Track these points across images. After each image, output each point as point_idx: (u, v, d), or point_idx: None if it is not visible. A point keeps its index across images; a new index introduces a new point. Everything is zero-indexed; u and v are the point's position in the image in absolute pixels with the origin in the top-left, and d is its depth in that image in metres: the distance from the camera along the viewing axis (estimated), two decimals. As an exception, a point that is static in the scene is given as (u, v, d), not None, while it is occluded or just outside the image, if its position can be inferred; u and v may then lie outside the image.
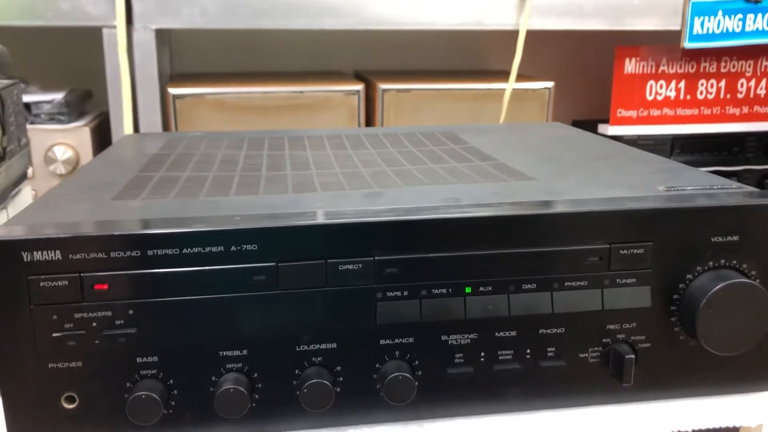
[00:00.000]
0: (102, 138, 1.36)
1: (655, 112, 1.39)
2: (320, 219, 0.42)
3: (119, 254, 0.40)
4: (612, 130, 1.35)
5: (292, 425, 0.44)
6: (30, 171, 1.19)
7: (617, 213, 0.44)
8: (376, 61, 1.52)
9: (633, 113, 1.38)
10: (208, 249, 0.40)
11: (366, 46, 1.51)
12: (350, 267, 0.42)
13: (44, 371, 0.40)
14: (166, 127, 1.21)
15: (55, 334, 0.40)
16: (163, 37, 1.34)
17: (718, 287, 0.43)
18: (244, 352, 0.42)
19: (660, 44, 1.33)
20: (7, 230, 0.40)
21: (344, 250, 0.42)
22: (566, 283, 0.44)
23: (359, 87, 1.22)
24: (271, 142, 0.69)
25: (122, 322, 0.40)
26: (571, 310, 0.44)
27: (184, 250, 0.40)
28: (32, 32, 1.12)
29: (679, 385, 0.47)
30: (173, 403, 0.42)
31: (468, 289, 0.43)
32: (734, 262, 0.45)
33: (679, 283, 0.45)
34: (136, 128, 1.20)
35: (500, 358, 0.45)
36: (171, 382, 0.42)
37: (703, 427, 0.46)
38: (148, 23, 1.12)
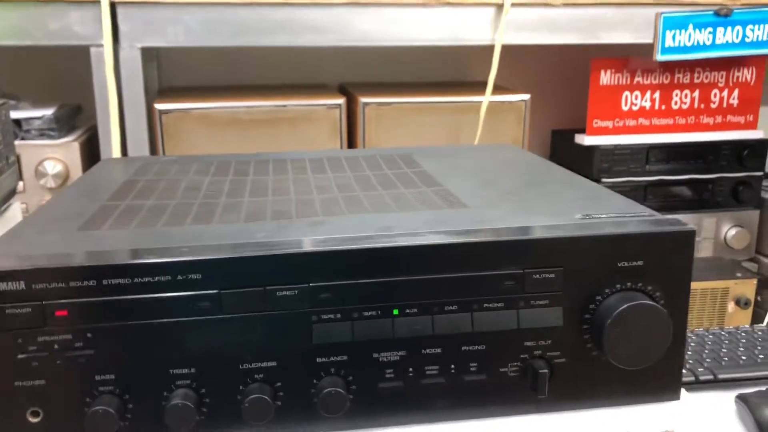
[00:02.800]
0: (92, 151, 1.41)
1: (631, 122, 1.42)
2: (259, 251, 0.46)
3: (77, 284, 0.44)
4: (588, 140, 1.38)
5: (237, 436, 0.48)
6: (21, 185, 1.24)
7: (530, 241, 0.48)
8: (362, 74, 1.56)
9: (609, 123, 1.41)
10: (156, 278, 0.45)
11: (352, 59, 1.55)
12: (287, 293, 0.46)
13: (10, 389, 0.45)
14: (153, 141, 1.25)
15: (20, 356, 0.45)
16: (150, 53, 1.37)
17: (623, 308, 0.48)
18: (192, 370, 0.47)
19: (635, 56, 1.37)
20: (-24, 263, 0.44)
21: (282, 277, 0.46)
22: (485, 305, 0.49)
23: (341, 101, 1.26)
24: (237, 167, 0.74)
25: (81, 344, 0.45)
26: (490, 329, 0.49)
27: (136, 280, 0.45)
28: (22, 48, 1.16)
29: (592, 396, 0.51)
30: (129, 416, 0.47)
31: (396, 311, 0.48)
32: (639, 284, 0.49)
33: (589, 303, 0.49)
34: (123, 143, 1.23)
35: (427, 373, 0.49)
36: (126, 397, 0.46)
37: (616, 435, 0.50)
38: (134, 42, 1.16)
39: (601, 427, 0.50)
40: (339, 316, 0.47)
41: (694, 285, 0.48)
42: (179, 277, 0.45)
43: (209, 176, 0.70)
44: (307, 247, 0.47)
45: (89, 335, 0.45)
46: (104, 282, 0.45)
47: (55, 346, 0.45)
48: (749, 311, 1.24)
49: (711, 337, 0.84)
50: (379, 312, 0.48)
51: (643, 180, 1.37)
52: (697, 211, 1.39)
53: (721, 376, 0.75)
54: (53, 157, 1.37)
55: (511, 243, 0.48)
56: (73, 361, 0.45)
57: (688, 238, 0.50)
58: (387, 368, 0.49)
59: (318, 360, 0.48)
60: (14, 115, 1.33)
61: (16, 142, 1.27)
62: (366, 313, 0.48)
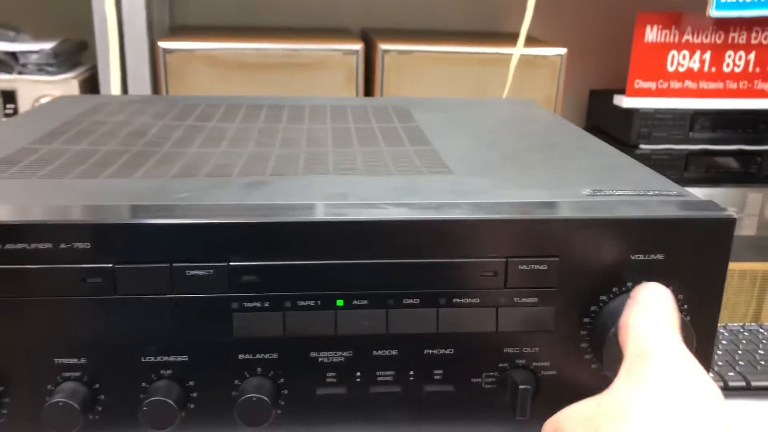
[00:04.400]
0: (93, 90, 1.33)
1: (676, 85, 1.30)
2: (167, 216, 0.36)
3: (-66, 247, 0.35)
4: (628, 101, 1.28)
5: (139, 442, 0.39)
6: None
7: (517, 222, 0.37)
8: (385, 19, 1.45)
9: (652, 84, 1.29)
10: (34, 245, 0.35)
11: (375, 2, 1.44)
12: (199, 273, 0.36)
13: None
14: (155, 82, 1.18)
15: None
16: (161, -13, 1.30)
17: (633, 314, 0.37)
18: (83, 360, 0.37)
19: (685, 10, 1.23)
20: None
21: (194, 252, 0.36)
22: (454, 300, 0.38)
23: (358, 47, 1.16)
24: (204, 111, 0.64)
25: (-58, 321, 0.36)
26: (459, 330, 0.38)
27: (7, 245, 0.35)
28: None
29: (588, 420, 0.41)
30: (4, 411, 0.38)
31: (340, 302, 0.38)
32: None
33: (591, 305, 0.39)
34: (124, 82, 1.16)
35: (379, 379, 0.39)
36: (2, 389, 0.38)
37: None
38: (137, -27, 1.08)
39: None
40: (266, 304, 0.37)
41: (731, 266, 0.37)
42: (62, 245, 0.35)
43: (164, 120, 0.60)
44: (226, 216, 0.37)
45: (-48, 311, 0.36)
46: (-31, 246, 0.35)
47: None
48: (794, 302, 1.11)
49: (747, 334, 0.73)
50: (319, 302, 0.38)
51: (684, 148, 1.25)
52: (741, 185, 1.27)
53: (755, 384, 0.64)
54: (51, 94, 1.29)
55: (492, 223, 0.37)
56: (-67, 341, 0.36)
57: (725, 228, 0.38)
58: (328, 371, 0.39)
59: (240, 357, 0.38)
60: (10, 47, 1.26)
61: (12, 77, 1.21)
62: (301, 303, 0.37)
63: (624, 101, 1.28)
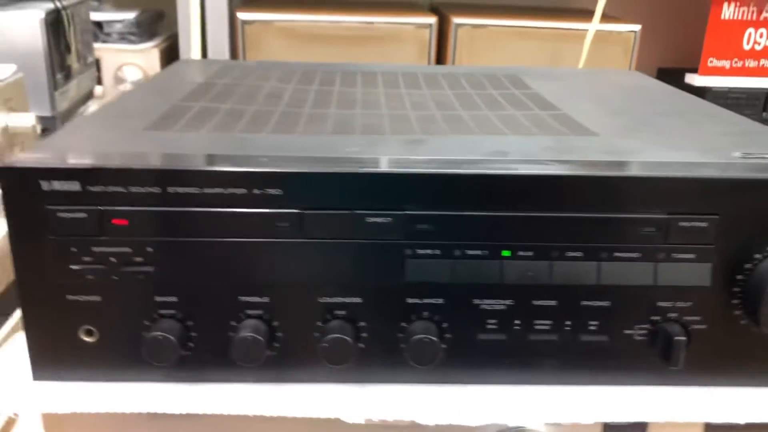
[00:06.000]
0: (172, 60, 1.36)
1: (751, 64, 1.29)
2: (350, 167, 0.39)
3: (139, 189, 0.38)
4: (700, 80, 1.26)
5: (311, 377, 0.42)
6: (100, 90, 1.20)
7: (680, 180, 0.39)
8: (455, -7, 1.45)
9: (726, 63, 1.28)
10: (230, 191, 0.38)
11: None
12: (379, 220, 0.39)
13: (63, 303, 0.40)
14: (233, 52, 1.20)
15: (73, 267, 0.39)
16: (235, -41, 1.31)
17: (790, 271, 0.39)
18: (265, 299, 0.40)
19: (764, -13, 1.23)
20: (27, 157, 0.38)
21: (374, 201, 0.39)
22: (616, 254, 0.40)
23: (432, 20, 1.17)
24: (323, 77, 0.66)
25: (141, 259, 0.39)
26: (619, 283, 0.40)
27: (206, 190, 0.38)
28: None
29: (735, 373, 0.43)
30: (191, 345, 0.41)
31: (506, 253, 0.40)
32: (813, 244, 0.40)
33: (745, 262, 0.40)
34: (204, 52, 1.19)
35: (537, 327, 0.41)
36: (189, 324, 0.41)
37: (758, 420, 0.42)
38: (220, -57, 1.10)
39: (742, 410, 0.42)
40: (438, 252, 0.40)
41: None
42: (256, 191, 0.38)
43: (292, 84, 0.62)
44: (406, 167, 0.39)
45: (150, 249, 0.39)
46: (170, 190, 0.38)
47: (112, 259, 0.39)
48: None
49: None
50: (487, 252, 0.40)
51: (758, 129, 1.24)
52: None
53: None
54: (133, 63, 1.33)
55: (656, 180, 0.39)
56: (131, 277, 0.39)
57: None
58: (489, 318, 0.41)
59: (409, 300, 0.41)
60: (96, 16, 1.29)
61: (96, 45, 1.24)
62: (470, 252, 0.40)
63: (696, 79, 1.28)
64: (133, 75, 1.32)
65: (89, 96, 1.12)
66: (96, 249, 0.39)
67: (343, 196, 0.39)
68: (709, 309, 0.41)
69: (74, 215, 0.38)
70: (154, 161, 0.39)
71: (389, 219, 0.39)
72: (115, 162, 0.38)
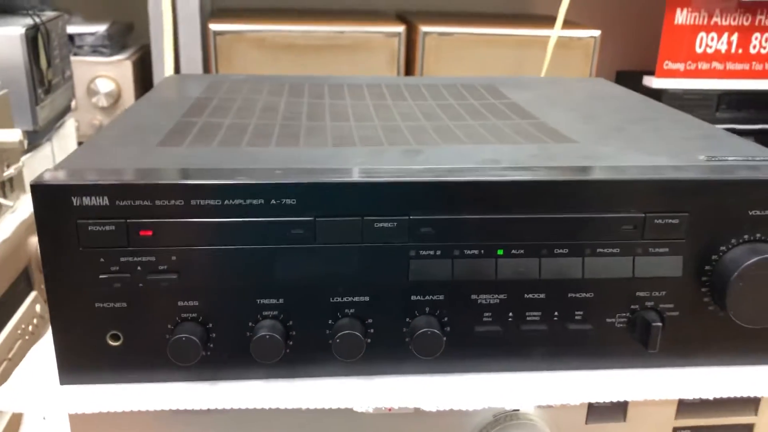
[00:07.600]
0: (143, 71, 1.37)
1: (704, 66, 1.35)
2: (358, 177, 0.42)
3: (164, 202, 0.41)
4: (657, 82, 1.32)
5: (323, 372, 0.46)
6: (73, 103, 1.21)
7: (655, 182, 0.44)
8: (420, 2, 1.49)
9: (680, 66, 1.34)
10: (249, 201, 0.41)
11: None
12: (385, 225, 0.43)
13: (91, 310, 0.43)
14: (206, 63, 1.22)
15: (101, 276, 0.42)
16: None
17: (751, 261, 0.43)
18: (281, 300, 0.44)
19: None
20: (58, 174, 0.41)
21: (380, 208, 0.42)
22: (598, 250, 0.44)
23: (400, 29, 1.20)
24: (311, 90, 0.70)
25: (165, 267, 0.42)
26: (601, 276, 0.45)
27: (226, 202, 0.41)
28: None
29: (705, 354, 0.47)
30: (211, 345, 0.44)
31: (500, 251, 0.44)
32: (771, 236, 0.45)
33: (712, 254, 0.45)
34: (177, 64, 1.20)
35: (528, 318, 0.46)
36: (210, 325, 0.44)
37: (725, 396, 0.47)
38: (190, -44, 1.12)
39: (712, 386, 0.46)
40: (439, 252, 0.44)
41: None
42: (273, 202, 0.42)
43: (284, 97, 0.66)
44: (409, 176, 0.43)
45: (174, 258, 0.42)
46: (192, 202, 0.41)
47: (138, 268, 0.42)
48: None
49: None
50: (482, 251, 0.44)
51: (710, 128, 1.30)
52: None
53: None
54: (105, 75, 1.34)
55: (633, 183, 0.43)
56: (156, 284, 0.42)
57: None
58: (485, 311, 0.45)
59: (413, 298, 0.44)
60: (68, 30, 1.29)
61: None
62: (468, 252, 0.44)
63: (653, 82, 1.33)
64: (105, 87, 1.33)
65: (67, 109, 1.13)
66: (123, 259, 0.42)
67: (353, 204, 0.42)
68: (681, 297, 0.46)
69: (103, 228, 0.41)
70: (178, 177, 0.42)
71: (394, 224, 0.43)
72: (141, 178, 0.41)
